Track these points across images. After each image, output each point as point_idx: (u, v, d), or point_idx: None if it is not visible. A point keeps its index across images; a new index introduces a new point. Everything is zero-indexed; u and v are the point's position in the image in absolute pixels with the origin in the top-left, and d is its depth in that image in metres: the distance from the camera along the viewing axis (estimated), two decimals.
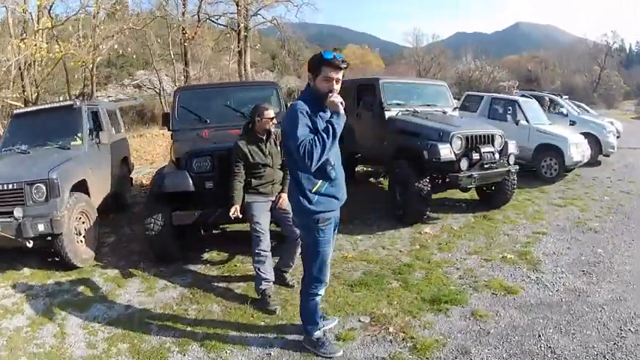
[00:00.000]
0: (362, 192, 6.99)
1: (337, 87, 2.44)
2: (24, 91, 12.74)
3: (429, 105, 6.90)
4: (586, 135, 9.78)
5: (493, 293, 3.66)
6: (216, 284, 3.91)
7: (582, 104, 14.41)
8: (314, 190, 2.48)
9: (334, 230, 2.70)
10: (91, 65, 13.69)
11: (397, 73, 36.24)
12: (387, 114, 6.42)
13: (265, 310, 3.32)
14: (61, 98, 14.90)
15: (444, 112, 6.82)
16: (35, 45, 10.74)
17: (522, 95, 11.16)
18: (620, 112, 32.26)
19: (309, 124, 2.36)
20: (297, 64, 34.57)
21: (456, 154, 5.35)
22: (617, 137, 12.35)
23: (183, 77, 18.69)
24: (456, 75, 33.09)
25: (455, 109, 7.32)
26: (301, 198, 2.50)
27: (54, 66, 11.84)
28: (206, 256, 4.63)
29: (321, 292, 2.76)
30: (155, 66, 21.48)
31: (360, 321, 3.19)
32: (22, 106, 12.55)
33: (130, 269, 4.30)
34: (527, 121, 8.97)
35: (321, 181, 2.49)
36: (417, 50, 43.45)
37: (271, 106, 3.80)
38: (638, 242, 4.98)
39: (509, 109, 9.31)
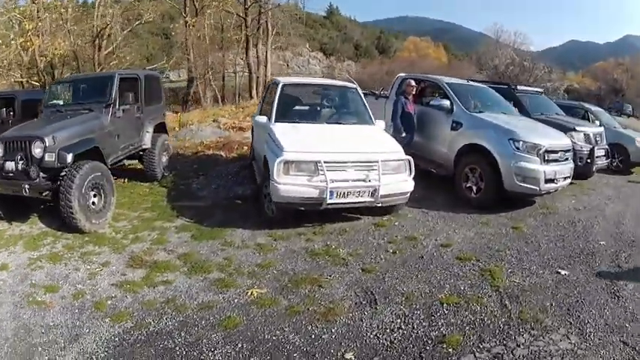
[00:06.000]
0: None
1: None
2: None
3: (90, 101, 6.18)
4: (477, 148, 5.96)
5: None
6: None
7: (601, 109, 10.97)
8: None
9: None
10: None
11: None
12: None
13: None
14: None
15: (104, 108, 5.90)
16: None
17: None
18: None
19: None
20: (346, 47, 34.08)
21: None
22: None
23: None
24: (492, 71, 30.38)
25: (136, 107, 6.52)
26: None
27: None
28: None
29: None
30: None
31: None
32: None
33: None
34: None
35: None
36: (497, 46, 39.97)
37: None
38: None
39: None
